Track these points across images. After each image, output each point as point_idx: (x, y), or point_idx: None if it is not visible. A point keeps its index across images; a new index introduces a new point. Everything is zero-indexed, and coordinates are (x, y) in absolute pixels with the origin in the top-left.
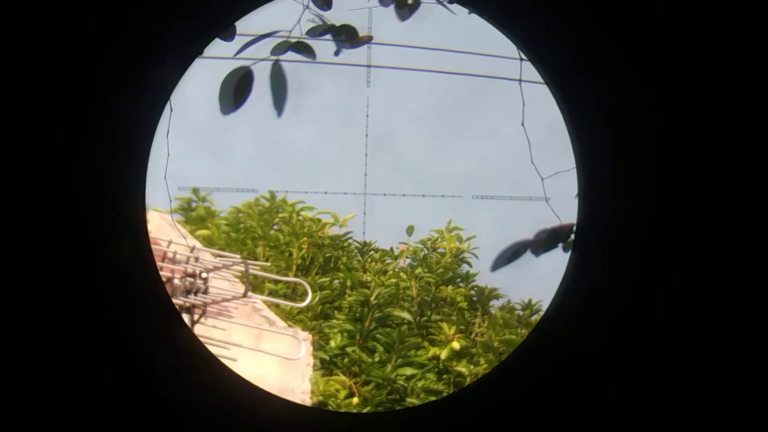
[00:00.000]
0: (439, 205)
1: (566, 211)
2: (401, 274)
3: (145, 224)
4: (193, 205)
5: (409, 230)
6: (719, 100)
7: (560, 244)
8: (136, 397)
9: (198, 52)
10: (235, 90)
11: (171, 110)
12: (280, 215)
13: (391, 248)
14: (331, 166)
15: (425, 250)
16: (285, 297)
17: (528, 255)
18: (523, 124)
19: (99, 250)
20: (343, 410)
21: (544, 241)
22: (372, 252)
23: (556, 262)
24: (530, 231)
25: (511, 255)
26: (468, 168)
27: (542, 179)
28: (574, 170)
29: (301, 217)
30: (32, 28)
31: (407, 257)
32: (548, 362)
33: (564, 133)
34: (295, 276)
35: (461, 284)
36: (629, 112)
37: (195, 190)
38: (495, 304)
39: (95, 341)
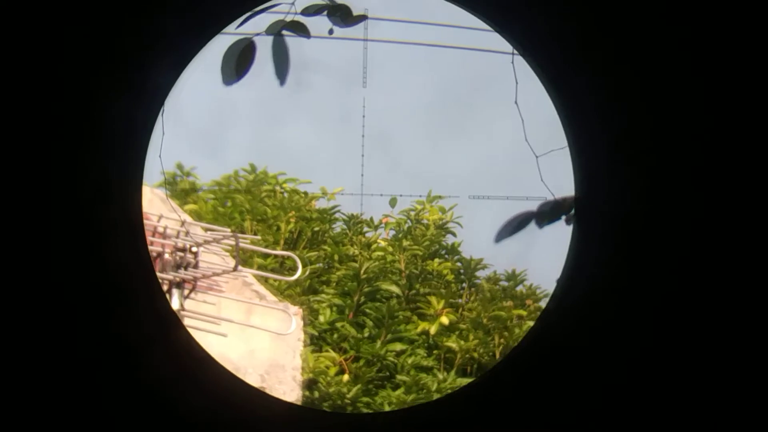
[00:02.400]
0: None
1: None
2: (388, 247)
3: (141, 225)
4: (178, 179)
5: (392, 202)
6: (714, 92)
7: (563, 217)
8: (132, 398)
9: (194, 52)
10: (237, 61)
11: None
12: (265, 189)
13: (372, 218)
14: (327, 166)
15: (409, 221)
16: (274, 271)
17: (532, 226)
18: (516, 102)
19: (96, 251)
20: (333, 389)
21: (548, 213)
22: (363, 225)
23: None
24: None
25: (515, 226)
26: (465, 168)
27: (536, 156)
28: (567, 149)
29: (285, 194)
30: (29, 28)
31: (391, 229)
32: (560, 347)
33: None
34: (283, 249)
35: (447, 256)
36: (623, 101)
37: (179, 165)
38: (481, 275)
39: (91, 342)
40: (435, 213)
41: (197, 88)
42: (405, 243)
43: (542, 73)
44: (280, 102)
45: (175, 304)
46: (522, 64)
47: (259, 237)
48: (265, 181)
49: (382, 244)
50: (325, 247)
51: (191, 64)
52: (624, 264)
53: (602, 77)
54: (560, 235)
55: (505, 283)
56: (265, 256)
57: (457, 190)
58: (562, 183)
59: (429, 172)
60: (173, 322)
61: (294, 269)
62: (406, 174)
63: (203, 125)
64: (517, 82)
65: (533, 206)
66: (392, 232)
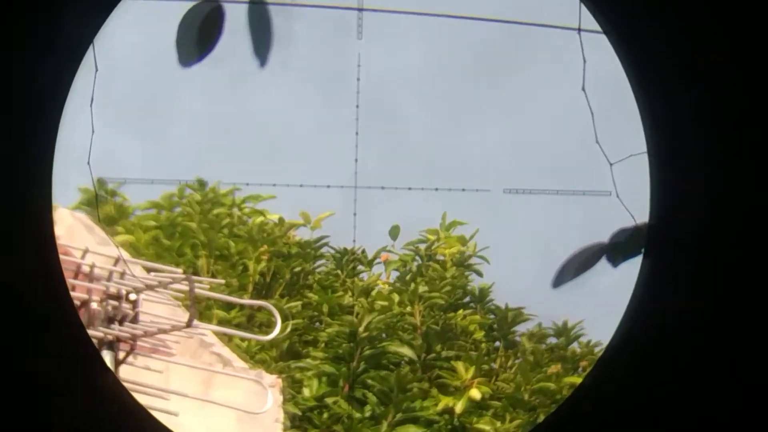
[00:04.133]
0: (457, 203)
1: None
2: (394, 294)
3: (51, 227)
4: (103, 198)
5: (394, 232)
6: None
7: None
8: None
9: None
10: (200, 33)
11: (96, 69)
12: (216, 211)
13: (363, 252)
14: (308, 149)
15: (418, 258)
16: (241, 327)
17: (602, 264)
18: (584, 89)
19: None
20: None
21: (625, 245)
22: (356, 263)
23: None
24: (586, 237)
25: (580, 264)
26: (498, 152)
27: (610, 164)
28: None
29: (249, 219)
30: None
31: (394, 270)
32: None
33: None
34: (252, 298)
35: (474, 306)
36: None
37: (100, 182)
38: (521, 330)
39: None
40: (453, 244)
41: (138, 62)
42: (421, 289)
43: (629, 60)
44: (251, 76)
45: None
46: (594, 41)
47: (222, 281)
48: (218, 200)
49: (383, 287)
50: (310, 294)
51: (129, 28)
52: (709, 305)
53: (707, 78)
54: (627, 271)
55: (553, 340)
56: (230, 306)
57: (487, 181)
58: (631, 190)
59: (447, 156)
60: (94, 360)
61: (269, 325)
62: (416, 159)
63: (137, 92)
64: (585, 61)
65: (602, 233)
66: (395, 273)
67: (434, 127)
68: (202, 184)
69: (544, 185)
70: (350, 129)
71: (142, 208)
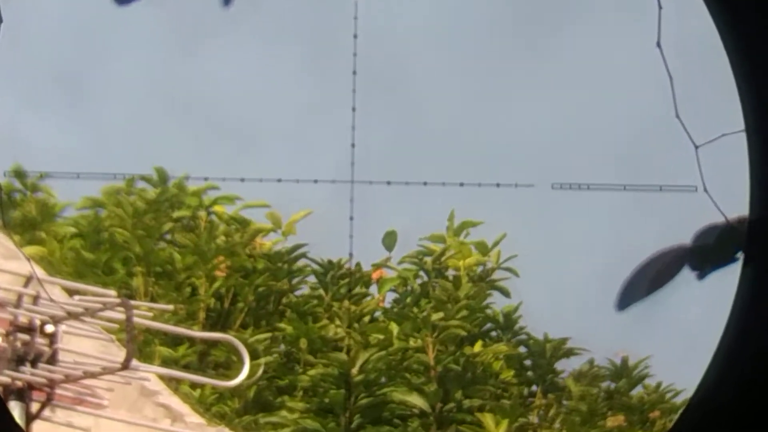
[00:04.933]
0: (489, 201)
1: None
2: (391, 324)
3: None
4: (17, 196)
5: (388, 239)
6: None
7: (739, 254)
8: None
9: None
10: None
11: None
12: (176, 214)
13: (357, 266)
14: (288, 131)
15: (423, 273)
16: (192, 370)
17: (683, 276)
18: (659, 45)
19: None
20: None
21: (715, 249)
22: (347, 280)
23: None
24: (662, 245)
25: (655, 277)
26: (543, 134)
27: (695, 147)
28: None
29: (213, 217)
30: None
31: (391, 290)
32: None
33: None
34: (204, 329)
35: (498, 334)
36: None
37: (18, 172)
38: (565, 367)
39: None
40: (469, 254)
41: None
42: (434, 316)
43: (722, 7)
44: (211, 30)
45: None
46: None
47: (169, 307)
48: (179, 200)
49: (377, 312)
50: (282, 324)
51: None
52: None
53: None
54: (717, 284)
55: (610, 384)
56: (176, 341)
57: (530, 174)
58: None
59: (475, 141)
60: None
61: (227, 366)
62: (433, 144)
63: (71, 91)
64: (660, 7)
65: (683, 235)
66: (391, 295)
67: (457, 100)
68: (162, 177)
69: (605, 178)
70: (345, 103)
71: (78, 208)
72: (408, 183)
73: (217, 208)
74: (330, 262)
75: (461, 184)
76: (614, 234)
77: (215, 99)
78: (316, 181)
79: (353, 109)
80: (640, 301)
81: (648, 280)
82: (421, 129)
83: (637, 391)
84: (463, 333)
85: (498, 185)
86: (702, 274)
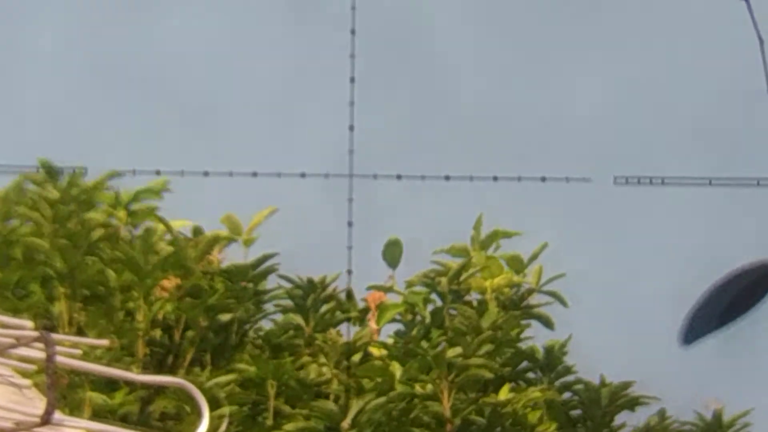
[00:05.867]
0: (531, 201)
1: None
2: (393, 364)
3: None
4: None
5: (392, 252)
6: None
7: None
8: None
9: None
10: None
11: None
12: (88, 216)
13: (347, 287)
14: (266, 110)
15: (436, 296)
16: (130, 423)
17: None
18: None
19: None
20: None
21: None
22: (329, 303)
23: None
24: (756, 251)
25: (734, 303)
26: (601, 114)
27: None
28: None
29: (148, 223)
30: None
31: (397, 318)
32: None
33: None
34: (145, 369)
35: (537, 375)
36: None
37: None
38: (628, 421)
39: None
40: (497, 272)
41: None
42: (451, 353)
43: None
44: None
45: None
46: None
47: (104, 342)
48: (90, 199)
49: (373, 349)
50: (241, 364)
51: None
52: None
53: None
54: None
55: None
56: (112, 385)
57: (585, 165)
58: None
59: (511, 122)
60: None
61: (178, 418)
62: (456, 127)
63: None
64: None
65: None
66: (394, 327)
67: (487, 68)
68: (52, 173)
69: (685, 170)
70: (341, 73)
71: None
72: (424, 177)
73: (142, 208)
74: (311, 281)
75: (495, 179)
76: (696, 242)
77: (170, 67)
78: (303, 175)
79: (351, 81)
80: (712, 333)
81: (724, 305)
82: (441, 106)
83: None
84: (488, 375)
85: (543, 179)
86: None
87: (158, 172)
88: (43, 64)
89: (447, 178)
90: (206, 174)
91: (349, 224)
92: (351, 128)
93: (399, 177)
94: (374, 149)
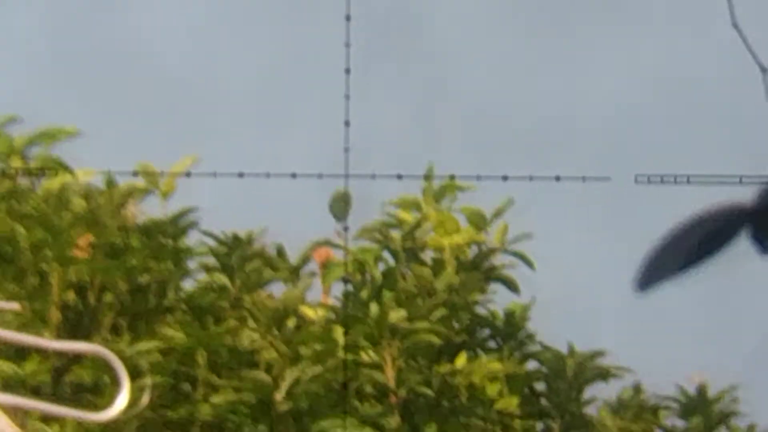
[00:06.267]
0: (546, 201)
1: None
2: (336, 328)
3: None
4: None
5: (337, 206)
6: None
7: None
8: None
9: None
10: None
11: None
12: None
13: (279, 247)
14: (253, 105)
15: (388, 252)
16: (43, 395)
17: (742, 248)
18: None
19: None
20: None
21: None
22: (261, 264)
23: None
24: None
25: (695, 249)
26: (619, 109)
27: None
28: None
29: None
30: None
31: (344, 278)
32: None
33: None
34: (59, 335)
35: (496, 342)
36: None
37: None
38: (598, 394)
39: None
40: (455, 229)
41: None
42: (395, 315)
43: None
44: None
45: None
46: None
47: (14, 305)
48: None
49: (311, 313)
50: (168, 328)
51: None
52: None
53: None
54: None
55: (678, 423)
56: (22, 353)
57: (604, 163)
58: None
59: (520, 117)
60: None
61: (96, 390)
62: (464, 122)
63: None
64: None
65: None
66: (346, 285)
67: (495, 59)
68: None
69: (709, 168)
70: (335, 64)
71: None
72: (427, 177)
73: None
74: (236, 236)
75: (504, 178)
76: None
77: (151, 58)
78: (294, 176)
79: (347, 71)
80: (669, 278)
81: (685, 249)
82: (445, 99)
83: None
84: (436, 341)
85: (558, 179)
86: (767, 249)
87: (135, 173)
88: (24, 58)
89: (452, 177)
90: (188, 175)
91: (345, 230)
92: (347, 124)
93: (400, 177)
94: (372, 147)
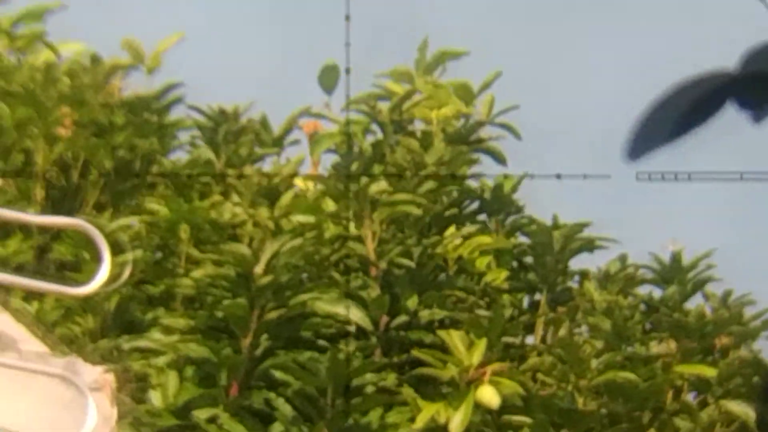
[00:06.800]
0: (546, 199)
1: None
2: (325, 201)
3: None
4: None
5: (328, 76)
6: None
7: None
8: None
9: None
10: None
11: None
12: None
13: (263, 119)
14: (252, 105)
15: (376, 125)
16: (26, 271)
17: (728, 116)
18: None
19: None
20: None
21: None
22: (248, 137)
23: None
24: None
25: (684, 116)
26: (620, 104)
27: None
28: None
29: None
30: None
31: (330, 150)
32: None
33: None
34: (43, 212)
35: (484, 218)
36: None
37: None
38: (589, 263)
39: None
40: (446, 101)
41: None
42: (376, 187)
43: None
44: None
45: None
46: None
47: None
48: None
49: (302, 186)
50: (151, 202)
51: None
52: None
53: None
54: None
55: (657, 290)
56: (5, 231)
57: (604, 160)
58: None
59: (519, 113)
60: None
61: (78, 268)
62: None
63: None
64: None
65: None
66: (330, 157)
67: (494, 57)
68: None
69: (711, 164)
70: (336, 52)
71: None
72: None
73: (31, 33)
74: (222, 109)
75: (504, 177)
76: (728, 242)
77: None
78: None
79: (347, 71)
80: (660, 147)
81: (675, 116)
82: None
83: (696, 304)
84: (416, 212)
85: (558, 177)
86: (758, 115)
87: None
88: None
89: (453, 176)
90: (189, 177)
91: (349, 221)
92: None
93: (400, 177)
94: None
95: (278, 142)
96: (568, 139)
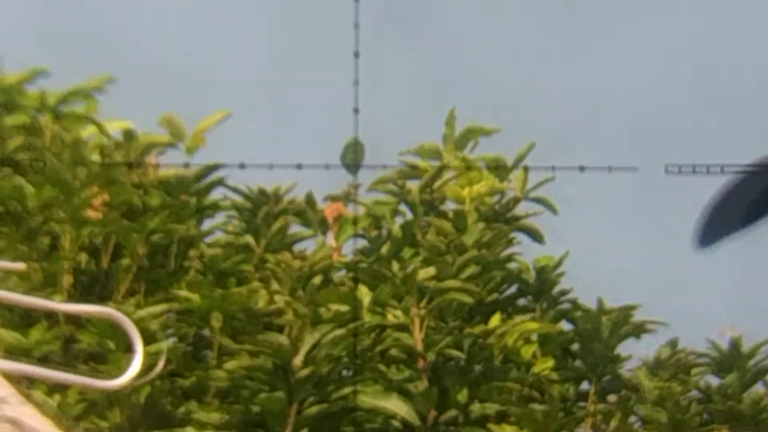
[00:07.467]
0: (568, 193)
1: None
2: (360, 288)
3: None
4: None
5: (350, 153)
6: None
7: None
8: None
9: None
10: None
11: None
12: (10, 121)
13: (309, 199)
14: (254, 89)
15: (405, 206)
16: (50, 362)
17: None
18: None
19: None
20: None
21: None
22: (286, 220)
23: None
24: None
25: (759, 200)
26: (648, 94)
27: None
28: None
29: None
30: None
31: (356, 235)
32: None
33: None
34: (71, 300)
35: (527, 300)
36: None
37: None
38: (633, 352)
39: None
40: (478, 179)
41: None
42: (423, 274)
43: None
44: None
45: None
46: None
47: (20, 265)
48: (11, 101)
49: (341, 270)
50: (182, 291)
51: None
52: None
53: None
54: None
55: (714, 379)
56: (28, 320)
57: (630, 152)
58: None
59: (541, 103)
60: None
61: (105, 359)
62: (477, 110)
63: None
64: None
65: None
66: (357, 240)
67: (514, 42)
68: None
69: (743, 157)
70: (343, 47)
71: None
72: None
73: (78, 112)
74: (262, 190)
75: (525, 169)
76: (761, 238)
77: (147, 39)
78: (299, 166)
79: (356, 55)
80: (733, 234)
81: (748, 202)
82: (460, 85)
83: (753, 392)
84: (468, 300)
85: (582, 169)
86: None
87: (129, 165)
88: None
89: (468, 168)
90: (186, 166)
91: (354, 226)
92: (356, 111)
93: (413, 168)
94: (383, 135)
95: (324, 222)
96: (595, 131)
